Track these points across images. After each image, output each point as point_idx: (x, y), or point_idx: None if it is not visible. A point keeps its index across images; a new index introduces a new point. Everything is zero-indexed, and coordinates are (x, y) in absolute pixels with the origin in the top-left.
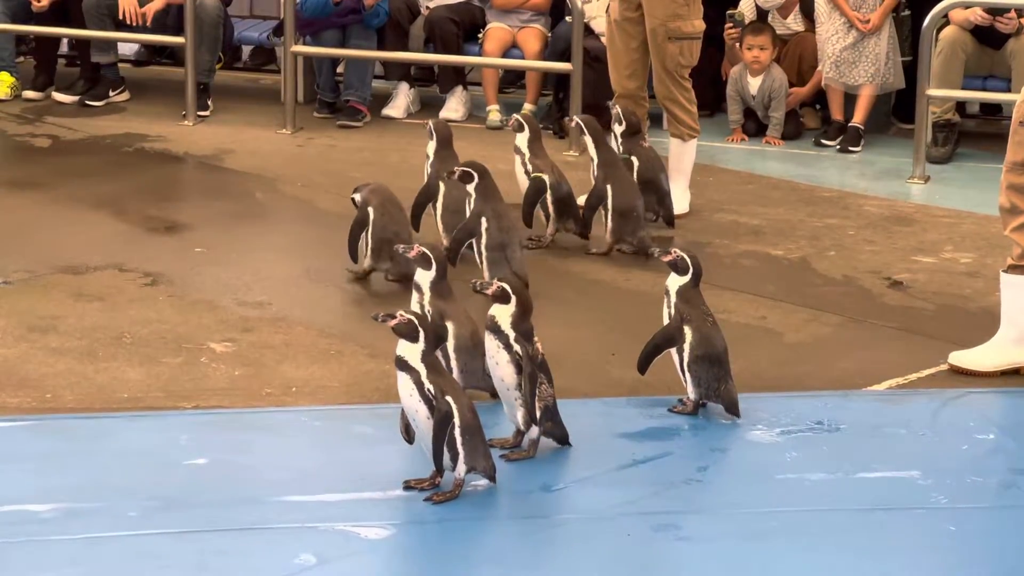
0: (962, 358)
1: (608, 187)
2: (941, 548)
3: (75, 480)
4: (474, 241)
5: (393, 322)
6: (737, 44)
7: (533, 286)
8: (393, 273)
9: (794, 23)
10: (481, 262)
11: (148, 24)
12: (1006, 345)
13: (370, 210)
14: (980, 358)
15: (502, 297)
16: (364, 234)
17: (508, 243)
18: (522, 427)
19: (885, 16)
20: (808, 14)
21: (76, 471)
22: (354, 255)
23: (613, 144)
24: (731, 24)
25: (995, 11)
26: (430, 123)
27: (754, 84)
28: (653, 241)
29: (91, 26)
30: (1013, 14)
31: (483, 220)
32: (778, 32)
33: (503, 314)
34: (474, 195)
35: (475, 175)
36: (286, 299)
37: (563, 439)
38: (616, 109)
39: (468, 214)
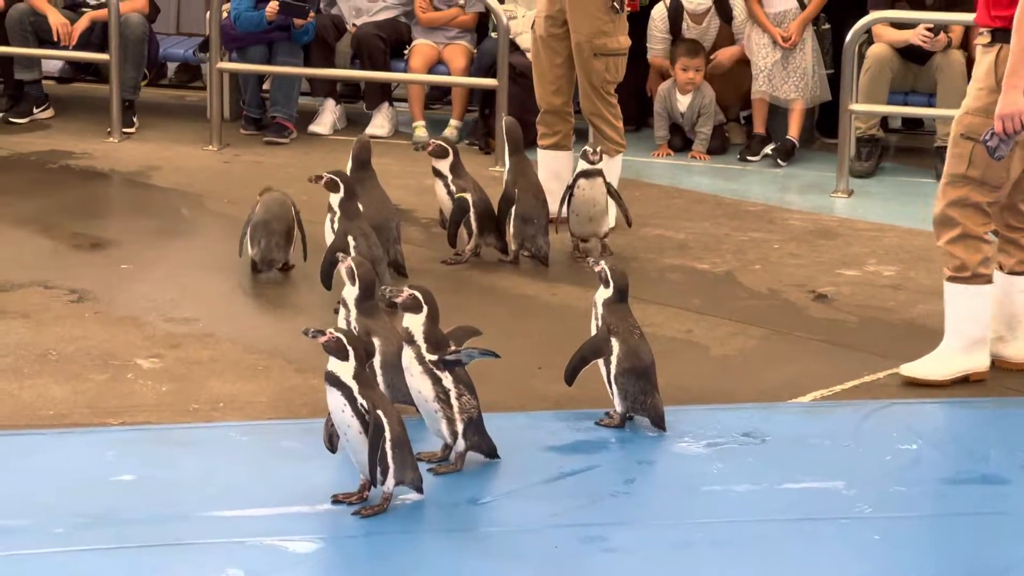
0: (915, 369)
1: (516, 191)
2: (866, 557)
3: (0, 497)
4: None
5: (323, 339)
6: (673, 48)
7: (459, 301)
8: (255, 255)
9: (711, 29)
10: None
11: (72, 43)
12: (954, 354)
13: (257, 207)
14: (933, 368)
15: (413, 306)
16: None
17: (378, 259)
18: (448, 440)
19: (803, 28)
20: (727, 19)
21: (1, 488)
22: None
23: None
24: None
25: (930, 31)
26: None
27: (684, 101)
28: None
29: (14, 43)
30: (943, 35)
31: (350, 239)
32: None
33: (415, 324)
34: (338, 212)
35: (341, 187)
36: (213, 315)
37: (491, 452)
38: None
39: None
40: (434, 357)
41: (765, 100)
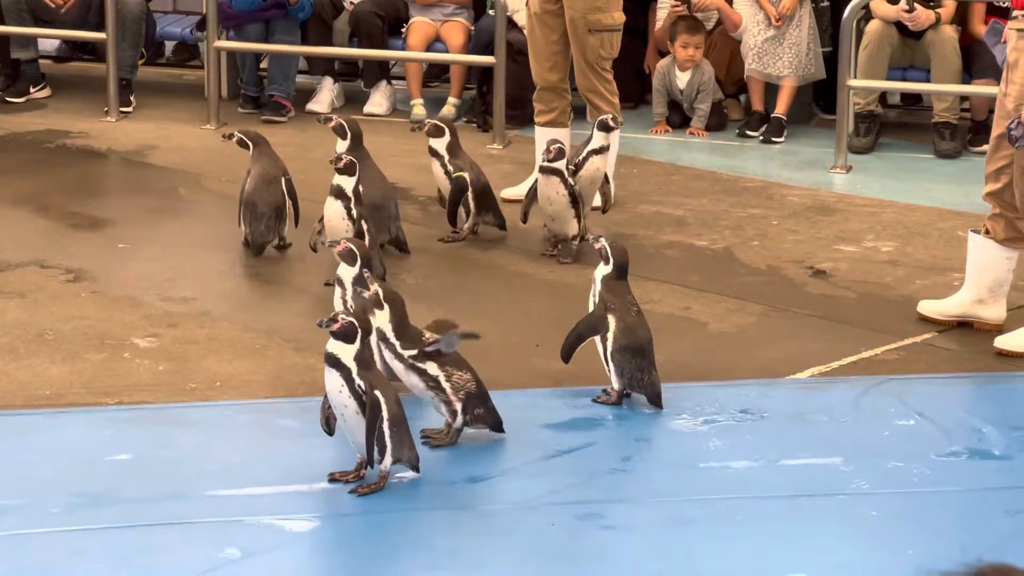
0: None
1: None
2: (863, 533)
3: None
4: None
5: (336, 326)
6: (673, 25)
7: (457, 279)
8: (246, 236)
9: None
10: None
11: (69, 13)
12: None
13: (247, 179)
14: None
15: (374, 303)
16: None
17: (375, 239)
18: (449, 419)
19: (795, 3)
20: None
21: None
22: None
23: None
24: (679, 2)
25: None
26: (339, 120)
27: (683, 78)
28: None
29: (10, 22)
30: (920, 12)
31: (363, 223)
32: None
33: (383, 322)
34: (353, 198)
35: (357, 170)
36: (210, 294)
37: (496, 426)
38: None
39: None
40: (413, 352)
41: (757, 79)
